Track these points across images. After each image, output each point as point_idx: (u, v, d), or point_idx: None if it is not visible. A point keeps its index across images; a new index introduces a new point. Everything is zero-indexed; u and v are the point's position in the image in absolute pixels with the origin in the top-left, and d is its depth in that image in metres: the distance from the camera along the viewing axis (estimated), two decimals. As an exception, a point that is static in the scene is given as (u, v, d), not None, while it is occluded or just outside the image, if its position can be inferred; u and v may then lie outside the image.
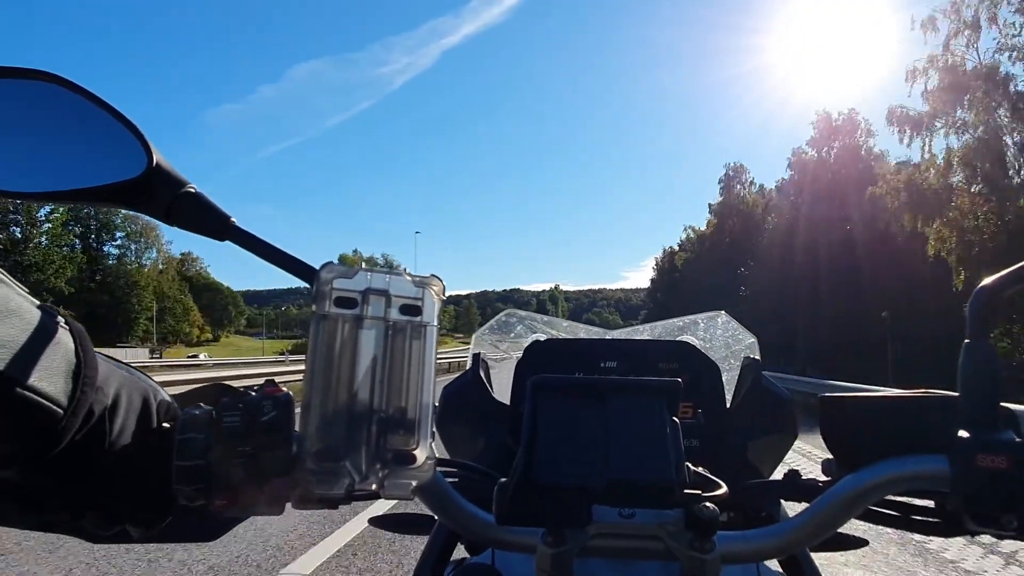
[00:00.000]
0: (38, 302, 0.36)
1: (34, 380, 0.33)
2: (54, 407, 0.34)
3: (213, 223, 0.47)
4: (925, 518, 0.53)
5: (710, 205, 41.11)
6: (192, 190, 0.46)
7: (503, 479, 0.46)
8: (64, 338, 0.36)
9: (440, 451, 0.43)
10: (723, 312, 1.19)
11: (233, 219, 0.47)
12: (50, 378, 0.34)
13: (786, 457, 0.84)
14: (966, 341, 0.45)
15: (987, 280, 0.45)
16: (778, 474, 0.68)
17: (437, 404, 0.41)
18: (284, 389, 0.41)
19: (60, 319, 0.37)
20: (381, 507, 3.04)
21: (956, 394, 0.46)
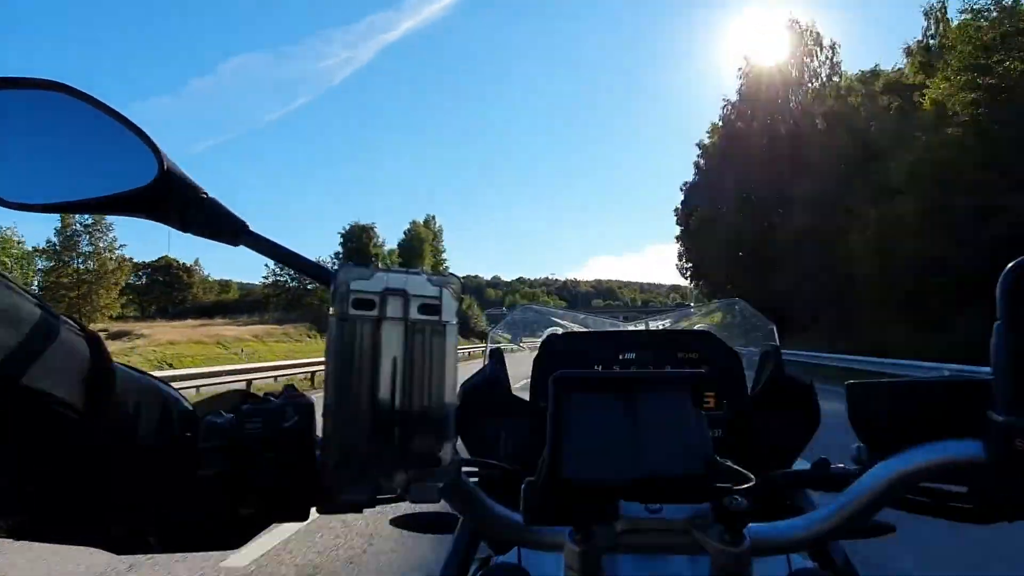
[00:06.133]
0: (52, 309, 0.36)
1: (51, 388, 0.32)
2: (72, 414, 0.33)
3: (228, 229, 0.46)
4: (959, 504, 0.52)
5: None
6: (205, 196, 0.46)
7: (530, 478, 0.45)
8: (79, 345, 0.35)
9: (460, 449, 0.42)
10: (739, 299, 1.19)
11: (248, 224, 0.47)
12: (66, 385, 0.33)
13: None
14: (997, 322, 0.44)
15: (1018, 259, 0.44)
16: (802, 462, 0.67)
17: (457, 402, 0.41)
18: (306, 394, 0.41)
19: (75, 326, 0.37)
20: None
21: (989, 377, 0.45)
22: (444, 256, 64.36)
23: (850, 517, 0.48)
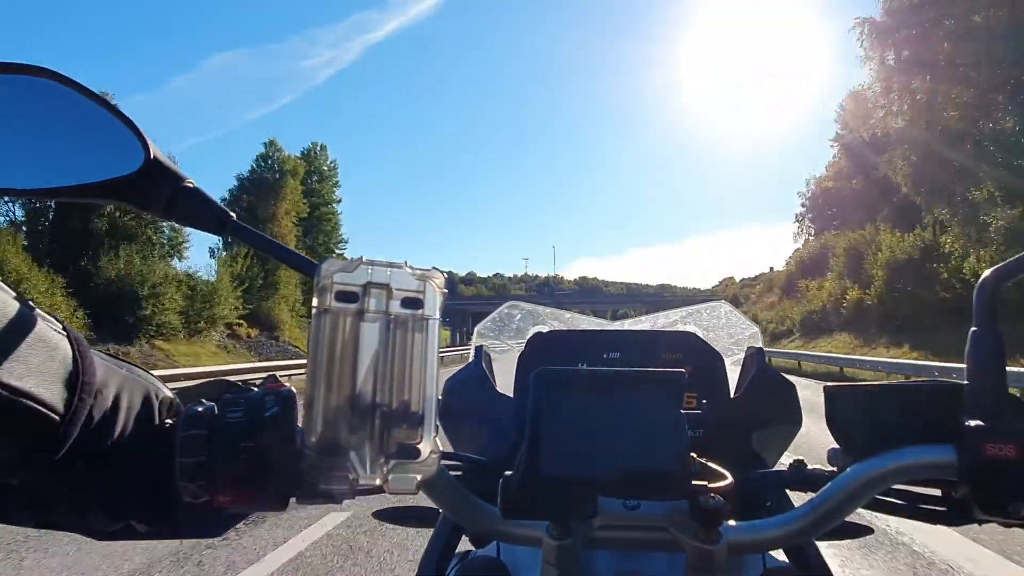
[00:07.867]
0: (36, 308, 0.36)
1: (31, 388, 0.32)
2: (52, 415, 0.33)
3: (212, 218, 0.46)
4: (932, 507, 0.53)
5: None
6: (191, 185, 0.46)
7: (508, 472, 0.46)
8: (61, 344, 0.36)
9: (443, 445, 0.43)
10: (724, 302, 1.20)
11: (232, 214, 0.47)
12: (47, 385, 0.33)
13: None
14: (973, 329, 0.45)
15: (993, 268, 0.45)
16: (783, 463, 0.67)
17: (440, 397, 0.41)
18: (287, 384, 0.41)
19: (57, 325, 0.36)
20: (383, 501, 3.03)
21: (963, 382, 0.46)
22: (336, 207, 40.34)
23: (823, 517, 0.48)
